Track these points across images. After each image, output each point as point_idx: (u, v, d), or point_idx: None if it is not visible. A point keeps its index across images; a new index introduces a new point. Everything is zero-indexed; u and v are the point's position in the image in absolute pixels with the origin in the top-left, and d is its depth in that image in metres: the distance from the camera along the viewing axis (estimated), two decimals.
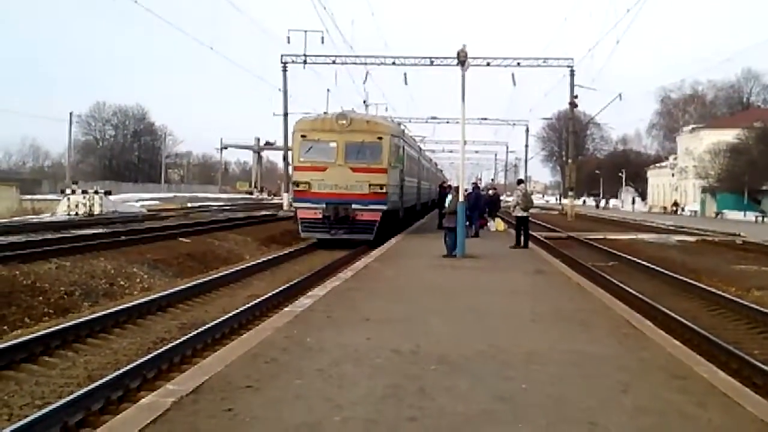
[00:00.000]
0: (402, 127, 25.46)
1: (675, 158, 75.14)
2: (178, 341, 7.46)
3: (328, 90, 33.77)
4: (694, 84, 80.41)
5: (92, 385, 5.55)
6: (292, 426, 3.68)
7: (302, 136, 19.08)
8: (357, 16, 50.23)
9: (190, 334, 7.80)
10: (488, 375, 5.10)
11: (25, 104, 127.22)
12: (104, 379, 5.71)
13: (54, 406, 4.96)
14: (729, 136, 57.19)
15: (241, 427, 3.67)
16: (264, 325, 7.28)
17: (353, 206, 18.05)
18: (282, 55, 33.43)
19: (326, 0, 25.13)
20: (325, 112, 21.27)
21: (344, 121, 18.65)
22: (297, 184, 19.04)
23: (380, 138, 18.70)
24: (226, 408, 3.96)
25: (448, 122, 44.30)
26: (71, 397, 5.21)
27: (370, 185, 18.16)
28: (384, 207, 18.47)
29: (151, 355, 6.75)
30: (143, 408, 4.00)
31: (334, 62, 32.54)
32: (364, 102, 35.04)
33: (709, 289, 13.03)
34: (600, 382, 4.95)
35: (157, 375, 6.27)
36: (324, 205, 18.10)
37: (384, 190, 18.42)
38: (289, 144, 26.48)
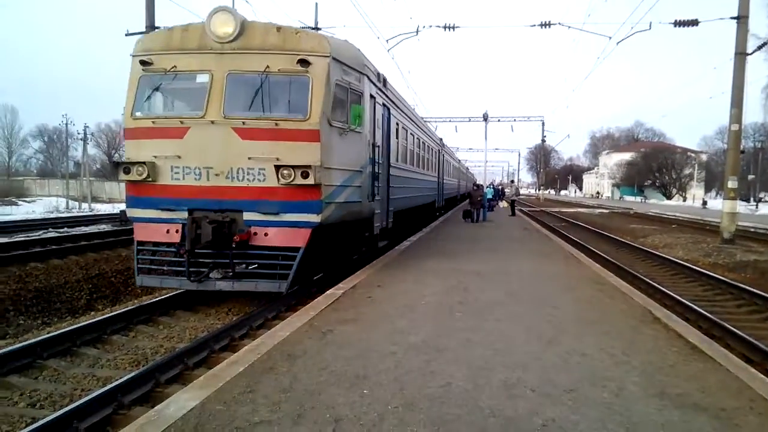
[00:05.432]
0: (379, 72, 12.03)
1: (598, 168, 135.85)
2: None
3: None
4: (608, 128, 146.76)
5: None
6: (401, 305, 7.45)
7: (143, 63, 8.92)
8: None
9: None
10: (500, 281, 9.26)
11: None
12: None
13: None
14: (627, 156, 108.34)
15: (375, 305, 7.48)
16: (386, 255, 12.23)
17: (245, 216, 8.60)
18: None
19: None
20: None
21: (229, 29, 8.67)
22: (127, 168, 8.74)
23: (305, 62, 8.58)
24: (368, 296, 7.89)
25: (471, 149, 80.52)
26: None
27: (280, 168, 8.34)
28: (316, 217, 8.59)
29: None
30: (327, 296, 7.93)
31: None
32: None
33: (615, 237, 23.45)
34: (557, 285, 9.01)
35: (334, 282, 10.67)
36: (185, 213, 8.60)
37: (312, 179, 8.31)
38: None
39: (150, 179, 8.64)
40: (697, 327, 7.83)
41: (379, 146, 11.57)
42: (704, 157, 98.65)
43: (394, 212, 13.87)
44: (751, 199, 69.62)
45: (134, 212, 8.98)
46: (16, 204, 42.74)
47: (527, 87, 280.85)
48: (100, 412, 5.15)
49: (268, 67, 8.58)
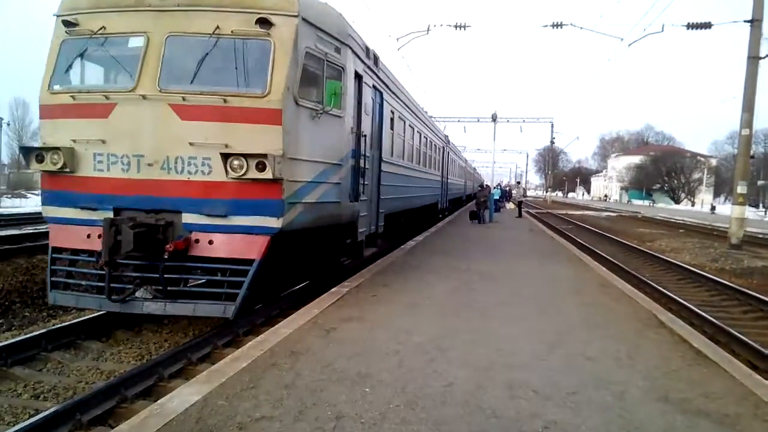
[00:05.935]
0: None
1: (606, 171, 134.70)
2: None
3: None
4: (618, 131, 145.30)
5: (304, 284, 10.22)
6: (405, 304, 7.46)
7: (67, 23, 7.16)
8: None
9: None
10: (505, 283, 9.25)
11: None
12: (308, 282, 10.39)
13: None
14: (636, 159, 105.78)
15: (380, 304, 7.46)
16: (390, 254, 12.27)
17: (185, 218, 6.79)
18: None
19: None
20: None
21: None
22: (40, 155, 7.00)
23: (266, 23, 6.76)
24: (372, 295, 7.90)
25: (478, 149, 79.73)
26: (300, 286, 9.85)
27: (228, 158, 6.51)
28: (275, 221, 6.79)
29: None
30: (332, 293, 7.92)
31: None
32: None
33: (622, 241, 23.18)
34: (562, 288, 9.00)
35: (339, 280, 10.67)
36: (110, 213, 6.85)
37: (270, 173, 6.43)
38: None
39: (67, 170, 6.87)
40: (702, 332, 7.79)
41: (366, 136, 9.71)
42: (714, 161, 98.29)
43: (385, 215, 12.14)
44: (761, 204, 69.34)
45: (49, 211, 7.19)
46: (25, 197, 43.06)
47: (537, 88, 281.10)
48: (103, 404, 5.16)
49: (218, 28, 6.73)
